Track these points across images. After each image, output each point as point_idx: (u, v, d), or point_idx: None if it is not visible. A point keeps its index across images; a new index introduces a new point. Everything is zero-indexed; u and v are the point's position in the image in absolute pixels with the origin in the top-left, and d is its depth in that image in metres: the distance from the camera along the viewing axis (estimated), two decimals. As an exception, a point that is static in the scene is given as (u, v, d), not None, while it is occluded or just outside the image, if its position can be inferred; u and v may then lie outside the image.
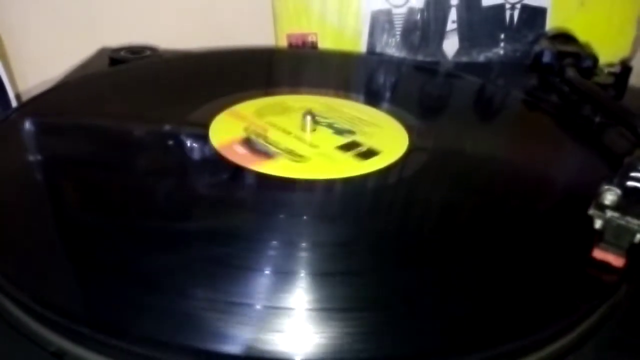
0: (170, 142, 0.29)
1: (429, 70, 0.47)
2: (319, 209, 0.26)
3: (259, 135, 0.30)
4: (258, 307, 0.19)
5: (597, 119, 0.35)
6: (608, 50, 0.46)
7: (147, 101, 0.34)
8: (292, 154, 0.29)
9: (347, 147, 0.30)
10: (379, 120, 0.34)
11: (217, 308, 0.19)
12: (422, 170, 0.28)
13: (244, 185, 0.27)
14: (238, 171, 0.27)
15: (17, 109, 0.32)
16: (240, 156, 0.28)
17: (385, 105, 0.37)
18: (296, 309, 0.19)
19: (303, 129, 0.31)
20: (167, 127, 0.30)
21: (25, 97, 0.51)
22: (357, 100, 0.37)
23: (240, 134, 0.30)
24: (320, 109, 0.34)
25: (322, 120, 0.32)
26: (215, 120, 0.31)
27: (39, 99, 0.33)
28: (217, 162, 0.27)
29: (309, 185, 0.26)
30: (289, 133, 0.30)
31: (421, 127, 0.33)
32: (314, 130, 0.31)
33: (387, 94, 0.42)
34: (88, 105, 0.33)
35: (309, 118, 0.31)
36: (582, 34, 0.47)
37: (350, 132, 0.31)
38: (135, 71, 0.39)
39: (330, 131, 0.32)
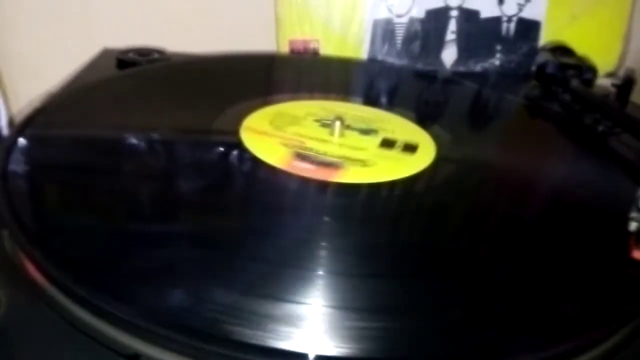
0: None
1: (431, 76, 0.49)
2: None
3: (303, 147, 0.30)
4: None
5: (601, 128, 0.37)
6: (596, 63, 0.48)
7: (163, 108, 0.34)
8: (352, 160, 0.29)
9: (387, 145, 0.31)
10: (388, 118, 0.35)
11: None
12: (463, 168, 0.30)
13: (348, 197, 0.27)
14: (329, 185, 0.27)
15: (39, 111, 0.31)
16: (310, 171, 0.27)
17: (387, 106, 0.38)
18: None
19: (332, 134, 0.31)
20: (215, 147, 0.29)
21: (22, 99, 0.49)
22: (359, 103, 0.38)
23: (284, 149, 0.29)
24: (329, 113, 0.34)
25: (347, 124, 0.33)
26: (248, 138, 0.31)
27: (60, 104, 0.32)
28: (296, 182, 0.27)
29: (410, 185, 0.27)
30: (325, 141, 0.31)
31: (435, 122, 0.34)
32: (342, 135, 0.31)
33: (390, 97, 0.43)
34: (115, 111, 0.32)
35: (338, 124, 0.31)
36: (572, 47, 0.49)
37: (374, 131, 0.32)
38: (145, 75, 0.39)
39: (355, 133, 0.32)
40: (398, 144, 0.31)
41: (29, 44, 0.53)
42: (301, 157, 0.29)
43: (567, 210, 0.28)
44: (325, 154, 0.29)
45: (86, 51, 0.50)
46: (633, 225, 0.23)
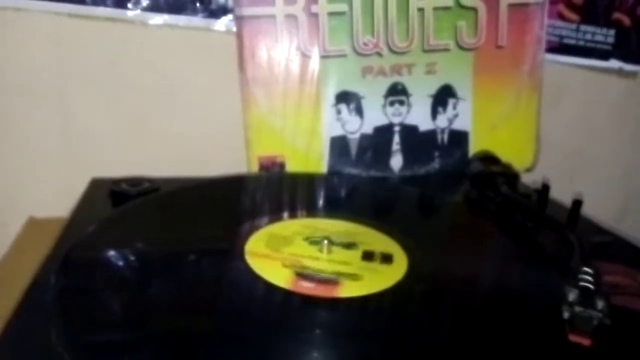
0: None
1: (375, 183, 0.57)
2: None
3: (302, 267, 0.35)
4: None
5: (530, 225, 0.45)
6: (515, 163, 0.58)
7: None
8: (345, 275, 0.35)
9: (367, 257, 0.37)
10: (359, 230, 0.42)
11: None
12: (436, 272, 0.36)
13: (357, 312, 0.32)
14: (338, 302, 0.32)
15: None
16: (314, 289, 0.33)
17: (359, 216, 0.44)
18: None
19: (321, 251, 0.38)
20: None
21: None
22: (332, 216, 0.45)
23: (287, 270, 0.35)
24: (313, 231, 0.41)
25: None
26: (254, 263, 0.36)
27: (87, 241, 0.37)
28: (308, 302, 0.32)
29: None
30: (317, 259, 0.37)
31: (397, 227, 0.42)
32: (330, 252, 0.38)
33: (359, 208, 0.50)
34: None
35: (326, 242, 0.38)
36: (496, 151, 0.59)
37: (354, 244, 0.39)
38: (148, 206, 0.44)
39: (339, 247, 0.39)
40: (376, 255, 0.38)
41: (13, 176, 0.57)
42: (301, 276, 0.34)
43: (507, 300, 0.35)
44: (321, 271, 0.35)
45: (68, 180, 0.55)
46: (565, 315, 0.30)
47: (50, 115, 0.56)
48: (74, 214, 0.43)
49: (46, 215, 0.58)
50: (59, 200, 0.57)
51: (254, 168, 0.57)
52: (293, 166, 0.58)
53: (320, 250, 0.38)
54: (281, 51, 0.55)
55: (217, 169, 0.57)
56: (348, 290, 0.33)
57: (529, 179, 0.56)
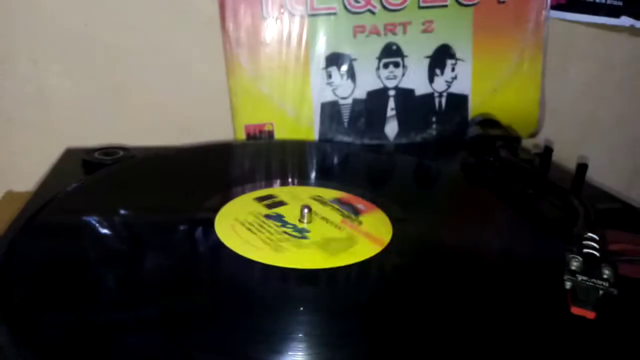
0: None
1: (372, 150, 0.54)
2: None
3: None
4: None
5: (530, 191, 0.42)
6: (518, 128, 0.55)
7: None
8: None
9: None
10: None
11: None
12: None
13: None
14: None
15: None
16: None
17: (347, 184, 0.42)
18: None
19: (302, 220, 0.35)
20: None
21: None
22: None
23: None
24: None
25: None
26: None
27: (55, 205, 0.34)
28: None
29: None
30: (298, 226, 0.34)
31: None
32: (310, 221, 0.35)
33: (347, 175, 0.47)
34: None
35: (306, 210, 0.35)
36: (497, 115, 0.56)
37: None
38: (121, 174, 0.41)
39: (320, 218, 0.36)
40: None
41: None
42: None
43: (507, 270, 0.32)
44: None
45: (45, 151, 0.52)
46: (568, 285, 0.27)
47: (23, 84, 0.53)
48: (42, 185, 0.41)
49: (25, 190, 0.55)
50: (37, 173, 0.54)
51: (241, 137, 0.54)
52: (282, 135, 0.55)
53: (301, 219, 0.35)
54: (266, 9, 0.52)
55: (200, 139, 0.55)
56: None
57: (533, 148, 0.53)
